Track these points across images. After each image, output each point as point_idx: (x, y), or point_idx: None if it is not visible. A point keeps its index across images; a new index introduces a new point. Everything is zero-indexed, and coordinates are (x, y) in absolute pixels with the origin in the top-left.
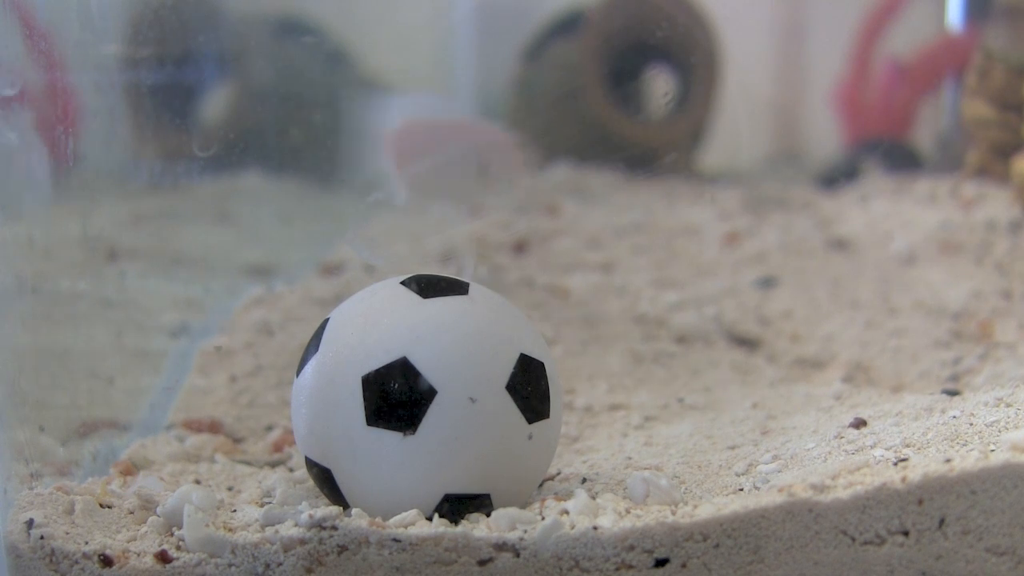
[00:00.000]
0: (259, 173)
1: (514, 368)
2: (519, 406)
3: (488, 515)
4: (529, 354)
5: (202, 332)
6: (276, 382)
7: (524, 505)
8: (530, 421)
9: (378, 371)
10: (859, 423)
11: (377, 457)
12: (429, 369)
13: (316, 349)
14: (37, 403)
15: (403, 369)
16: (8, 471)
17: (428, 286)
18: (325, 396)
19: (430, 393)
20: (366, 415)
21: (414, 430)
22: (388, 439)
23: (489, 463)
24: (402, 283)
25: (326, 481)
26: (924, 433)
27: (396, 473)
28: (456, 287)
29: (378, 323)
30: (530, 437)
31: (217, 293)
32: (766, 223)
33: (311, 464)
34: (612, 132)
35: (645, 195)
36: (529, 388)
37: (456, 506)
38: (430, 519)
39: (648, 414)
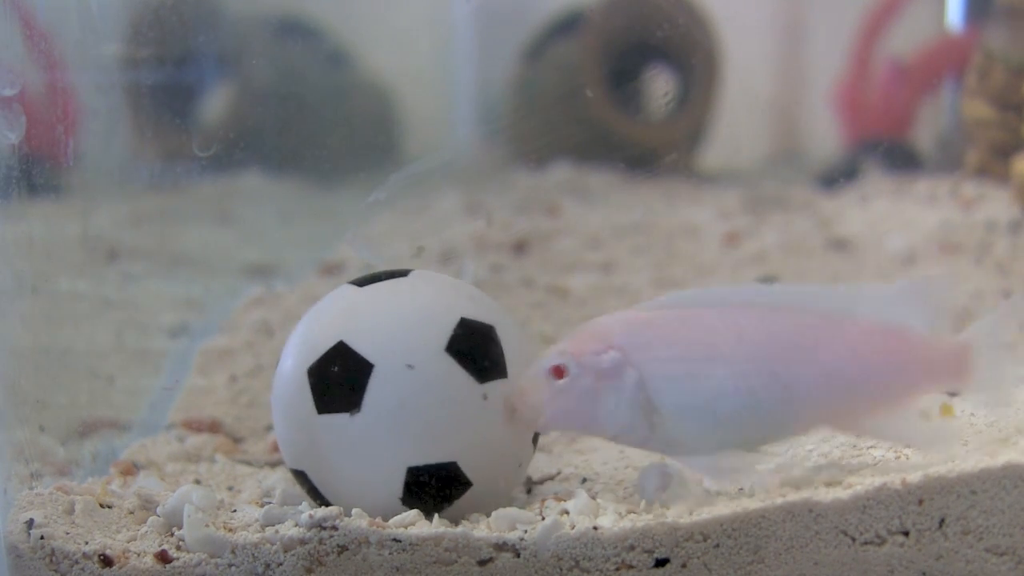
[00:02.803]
0: (259, 173)
1: (453, 332)
2: (463, 366)
3: (466, 482)
4: (471, 318)
5: (202, 332)
6: None
7: (524, 504)
8: (481, 380)
9: (319, 360)
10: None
11: (334, 443)
12: (364, 345)
13: (278, 364)
14: (37, 403)
15: (340, 352)
16: (8, 471)
17: (368, 278)
18: (285, 400)
19: (367, 367)
20: (316, 404)
21: (359, 407)
22: (338, 423)
23: (443, 427)
24: (348, 282)
25: (307, 485)
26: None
27: (355, 455)
28: (397, 274)
29: (318, 318)
30: (485, 397)
31: (217, 293)
32: (766, 223)
33: (295, 474)
34: (612, 132)
35: (645, 195)
36: (473, 348)
37: (427, 480)
38: (404, 499)
39: None
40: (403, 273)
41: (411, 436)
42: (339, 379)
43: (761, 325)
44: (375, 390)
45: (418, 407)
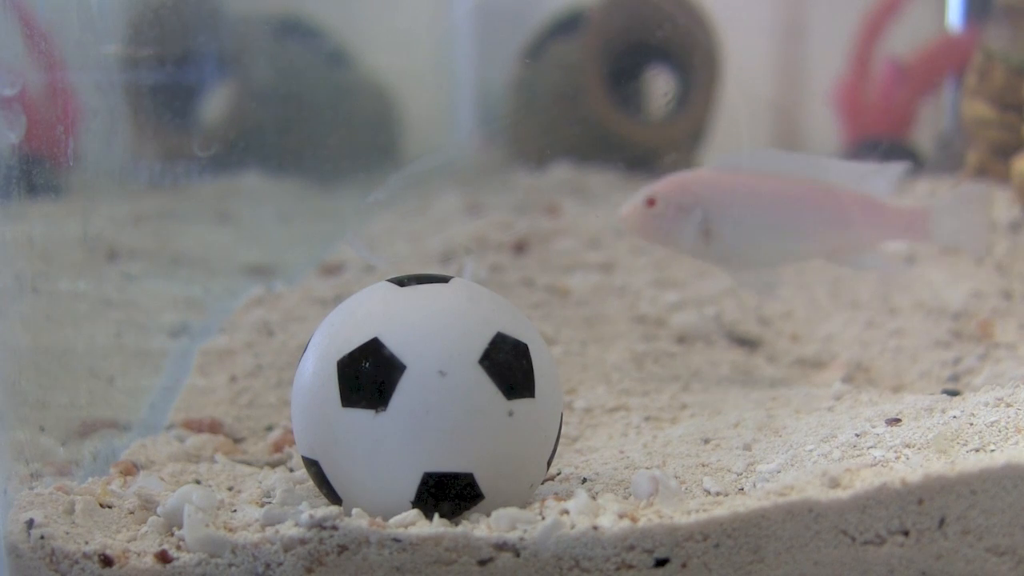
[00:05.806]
0: (259, 173)
1: (488, 345)
2: (494, 380)
3: (479, 495)
4: (508, 333)
5: (202, 332)
6: (276, 382)
7: (523, 504)
8: (508, 397)
9: (351, 354)
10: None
11: (354, 438)
12: (398, 346)
13: (305, 349)
14: (37, 403)
15: (373, 348)
16: (8, 471)
17: (410, 279)
18: (308, 387)
19: (399, 368)
20: (341, 397)
21: (385, 406)
22: (362, 418)
23: (465, 438)
24: (388, 280)
25: (317, 475)
26: (924, 433)
27: (374, 452)
28: (437, 279)
29: (355, 312)
30: (510, 414)
31: (217, 293)
32: None
33: (306, 462)
34: (612, 132)
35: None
36: (506, 364)
37: (442, 487)
38: (416, 503)
39: (648, 414)
40: (443, 279)
41: (433, 442)
42: (369, 376)
43: (787, 187)
44: (404, 392)
45: (444, 414)
